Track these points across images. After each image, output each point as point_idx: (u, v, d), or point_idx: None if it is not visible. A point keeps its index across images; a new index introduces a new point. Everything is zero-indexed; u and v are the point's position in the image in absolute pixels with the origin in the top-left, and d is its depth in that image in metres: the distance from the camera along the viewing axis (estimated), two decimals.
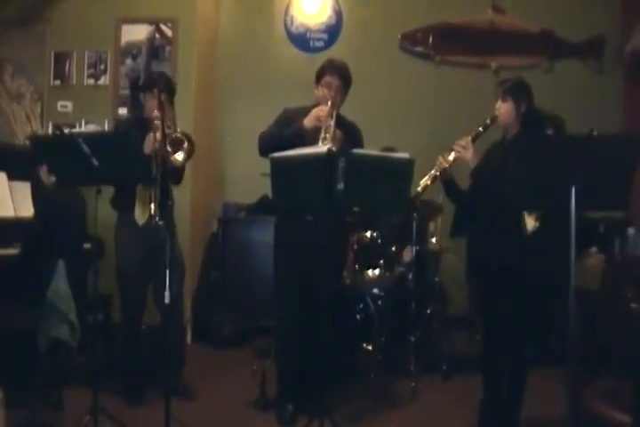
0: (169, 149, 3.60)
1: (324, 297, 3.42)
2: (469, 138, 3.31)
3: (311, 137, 3.43)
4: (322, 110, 3.49)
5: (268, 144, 3.57)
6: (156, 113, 3.67)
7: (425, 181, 3.37)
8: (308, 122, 3.51)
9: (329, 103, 3.52)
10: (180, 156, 3.65)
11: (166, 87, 3.87)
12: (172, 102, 3.94)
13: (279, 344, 3.87)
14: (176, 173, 3.85)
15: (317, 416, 2.98)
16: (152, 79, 4.00)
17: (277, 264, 3.77)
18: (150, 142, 3.64)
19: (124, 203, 3.88)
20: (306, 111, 3.60)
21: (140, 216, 3.79)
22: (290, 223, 3.66)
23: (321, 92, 3.66)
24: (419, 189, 3.37)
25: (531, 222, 4.24)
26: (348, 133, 3.59)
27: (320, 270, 3.35)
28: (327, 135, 3.38)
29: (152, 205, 3.44)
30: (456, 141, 3.34)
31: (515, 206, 3.06)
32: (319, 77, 3.68)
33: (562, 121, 3.41)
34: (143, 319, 3.99)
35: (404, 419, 3.75)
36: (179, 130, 3.70)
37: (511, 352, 3.30)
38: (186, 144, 3.65)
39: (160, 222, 3.44)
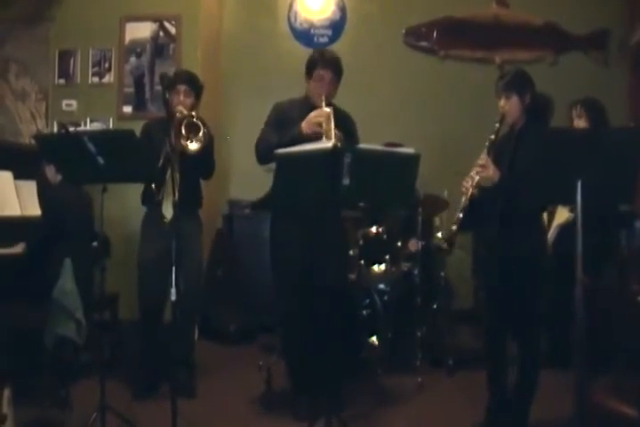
0: (183, 132, 3.62)
1: (326, 294, 3.41)
2: (485, 153, 3.19)
3: (310, 141, 3.39)
4: (320, 115, 3.40)
5: (266, 154, 3.48)
6: (180, 107, 3.74)
7: (458, 214, 3.21)
8: (306, 127, 3.43)
9: (322, 99, 3.45)
10: (193, 145, 3.65)
11: (192, 83, 3.93)
12: (198, 99, 3.99)
13: (284, 343, 3.87)
14: (200, 166, 3.88)
15: (325, 413, 2.98)
16: (177, 76, 4.03)
17: (274, 262, 3.74)
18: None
19: (151, 198, 3.90)
20: (298, 105, 3.58)
21: (167, 211, 3.79)
22: (286, 220, 3.64)
23: (313, 85, 3.60)
24: (453, 226, 3.21)
25: (564, 213, 4.24)
26: (343, 126, 3.49)
27: (321, 267, 3.34)
28: (329, 140, 3.29)
29: (172, 200, 3.41)
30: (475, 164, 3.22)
31: (527, 200, 3.03)
32: (310, 70, 3.61)
33: (552, 103, 3.36)
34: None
35: (411, 414, 3.75)
36: (194, 113, 3.71)
37: (526, 346, 3.29)
38: (201, 132, 3.65)
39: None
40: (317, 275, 3.36)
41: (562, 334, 3.85)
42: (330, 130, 3.34)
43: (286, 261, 3.65)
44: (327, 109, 3.41)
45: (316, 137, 3.36)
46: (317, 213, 3.25)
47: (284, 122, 3.58)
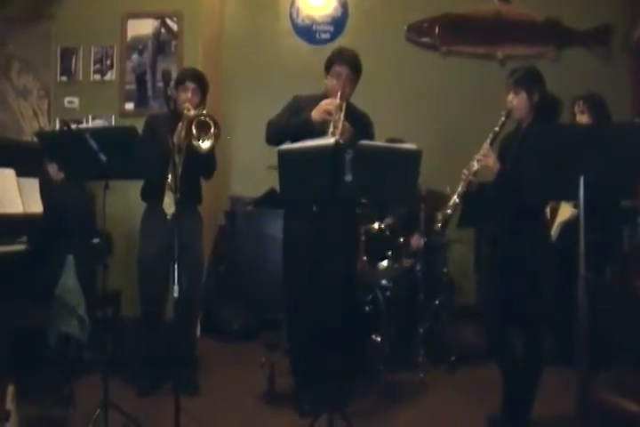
0: (194, 131, 3.61)
1: (334, 290, 3.41)
2: (488, 143, 3.22)
3: (319, 129, 3.41)
4: (330, 104, 3.46)
5: (275, 133, 3.57)
6: (187, 104, 3.74)
7: (454, 199, 3.24)
8: (316, 115, 3.48)
9: (338, 95, 3.49)
10: (205, 143, 3.65)
11: (200, 82, 3.93)
12: (204, 98, 3.99)
13: (290, 340, 3.87)
14: (202, 165, 3.88)
15: (328, 410, 2.98)
16: (185, 74, 4.02)
17: (287, 257, 3.77)
18: (178, 131, 3.67)
19: (152, 194, 3.90)
20: (315, 100, 3.58)
21: (168, 207, 3.79)
22: (299, 215, 3.65)
23: (330, 82, 3.63)
24: (448, 210, 3.25)
25: (568, 210, 4.23)
26: (358, 125, 3.54)
27: (330, 263, 3.33)
28: (336, 129, 3.35)
29: (174, 196, 3.39)
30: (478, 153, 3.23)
31: (530, 197, 3.02)
32: (328, 67, 3.66)
33: (561, 104, 3.37)
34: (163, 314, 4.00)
35: (413, 410, 3.75)
36: (204, 112, 3.70)
37: (527, 344, 3.29)
38: (212, 130, 3.64)
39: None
40: (325, 273, 3.34)
41: (564, 331, 3.84)
42: (338, 120, 3.37)
43: (296, 258, 3.68)
44: (338, 100, 3.45)
45: (324, 124, 3.39)
46: (326, 210, 3.25)
47: (299, 113, 3.61)
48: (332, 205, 3.09)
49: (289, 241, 3.78)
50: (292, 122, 3.56)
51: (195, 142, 3.62)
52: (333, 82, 3.61)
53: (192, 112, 3.69)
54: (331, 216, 3.19)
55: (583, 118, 4.09)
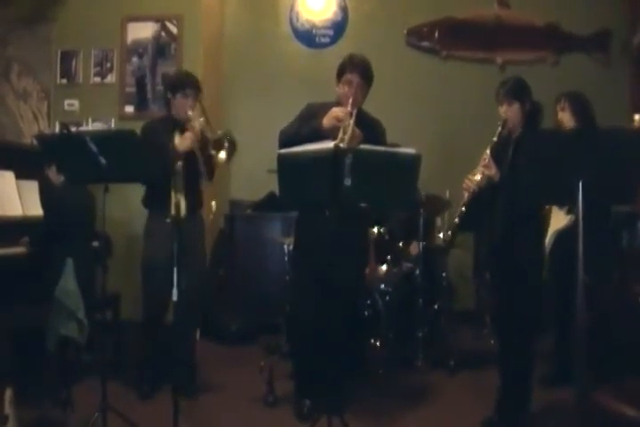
0: (212, 151, 3.61)
1: (341, 294, 3.40)
2: (488, 154, 3.30)
3: (330, 136, 3.41)
4: (341, 111, 3.44)
5: (287, 141, 3.53)
6: (191, 114, 3.72)
7: (460, 209, 3.35)
8: (326, 122, 3.47)
9: (349, 102, 3.49)
10: (222, 155, 3.63)
11: (197, 87, 3.90)
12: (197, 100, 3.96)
13: (296, 344, 3.86)
14: (204, 169, 3.86)
15: (328, 414, 2.97)
16: (184, 80, 3.96)
17: (298, 260, 3.79)
18: (186, 142, 3.66)
19: (156, 201, 3.89)
20: (328, 108, 3.56)
21: (172, 214, 3.79)
22: (311, 219, 3.65)
23: (342, 89, 3.63)
24: (456, 220, 3.36)
25: (561, 218, 4.23)
26: (369, 131, 3.51)
27: (341, 267, 3.31)
28: (346, 136, 3.34)
29: (181, 203, 3.40)
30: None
31: (527, 202, 3.05)
32: (340, 74, 3.65)
33: (542, 108, 3.43)
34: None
35: (412, 415, 3.74)
36: (219, 132, 3.68)
37: (515, 344, 3.32)
38: (226, 144, 3.63)
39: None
40: (336, 277, 3.32)
41: (565, 342, 3.84)
42: (348, 126, 3.36)
43: (307, 262, 3.68)
44: (349, 108, 3.45)
45: (335, 131, 3.38)
46: (338, 214, 3.24)
47: (311, 121, 3.61)
48: (344, 210, 3.08)
49: (301, 244, 3.78)
50: (303, 129, 3.55)
51: (213, 153, 3.61)
52: (345, 89, 3.61)
53: (206, 132, 3.66)
54: (343, 220, 3.18)
55: (565, 116, 4.08)
